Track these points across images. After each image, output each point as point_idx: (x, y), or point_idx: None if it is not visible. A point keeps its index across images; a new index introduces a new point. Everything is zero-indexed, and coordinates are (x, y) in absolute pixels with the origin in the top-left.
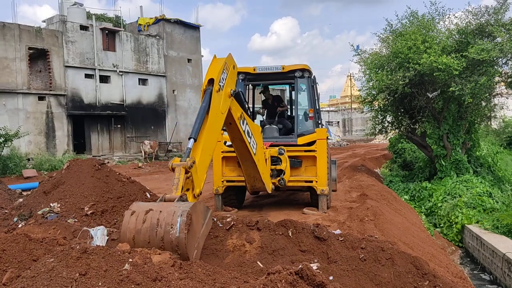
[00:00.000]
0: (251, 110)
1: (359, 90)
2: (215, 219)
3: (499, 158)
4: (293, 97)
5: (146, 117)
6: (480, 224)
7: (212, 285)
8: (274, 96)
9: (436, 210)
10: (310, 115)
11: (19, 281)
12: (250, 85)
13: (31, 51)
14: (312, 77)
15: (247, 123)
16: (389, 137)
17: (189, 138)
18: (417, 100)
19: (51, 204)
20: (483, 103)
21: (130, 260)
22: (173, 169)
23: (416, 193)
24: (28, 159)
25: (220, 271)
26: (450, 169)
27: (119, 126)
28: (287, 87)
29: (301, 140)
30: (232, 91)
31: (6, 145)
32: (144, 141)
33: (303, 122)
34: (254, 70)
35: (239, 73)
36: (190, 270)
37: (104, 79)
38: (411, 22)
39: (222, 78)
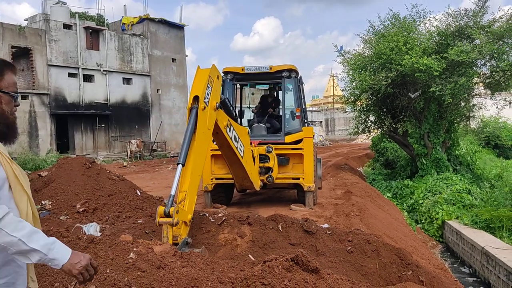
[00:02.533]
0: (236, 110)
1: (342, 90)
2: (206, 215)
3: (478, 157)
4: (279, 97)
5: (130, 117)
6: (460, 219)
7: (211, 273)
8: (275, 98)
9: (417, 207)
10: (297, 114)
11: None
12: (238, 84)
13: (14, 49)
14: (299, 77)
15: (233, 129)
16: (371, 137)
17: (177, 164)
18: (399, 100)
19: (42, 202)
20: (462, 103)
21: (135, 249)
22: (159, 224)
23: (398, 190)
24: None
25: (217, 260)
26: (431, 167)
27: (103, 125)
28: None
29: (288, 139)
30: (217, 104)
31: None
32: (131, 140)
33: (290, 121)
34: (243, 70)
35: (227, 72)
36: (190, 259)
37: (88, 78)
38: (393, 24)
39: (207, 94)
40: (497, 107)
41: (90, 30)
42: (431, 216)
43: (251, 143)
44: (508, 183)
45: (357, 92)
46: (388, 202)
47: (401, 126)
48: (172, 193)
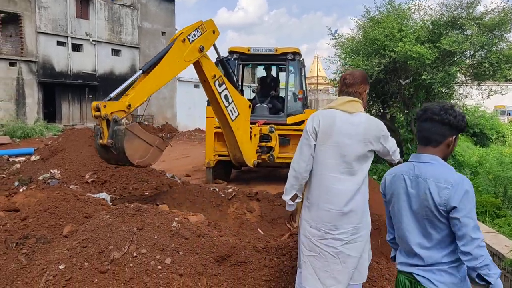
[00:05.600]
0: (239, 86)
1: (333, 73)
2: (216, 189)
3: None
4: (279, 78)
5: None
6: None
7: (247, 241)
8: (273, 77)
9: None
10: (299, 96)
11: (80, 233)
12: (242, 64)
13: (2, 15)
14: (301, 60)
15: (226, 88)
16: None
17: (140, 69)
18: (390, 86)
19: (51, 171)
20: (450, 92)
21: (176, 218)
22: (96, 118)
23: (383, 173)
24: None
25: (243, 232)
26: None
27: (90, 96)
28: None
29: (290, 120)
30: (201, 46)
31: None
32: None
33: (292, 102)
34: (248, 50)
35: (233, 52)
36: (221, 229)
37: (76, 48)
38: (388, 10)
39: (194, 34)
40: (482, 97)
41: None
42: None
43: (255, 123)
44: (491, 171)
45: None
46: (376, 184)
47: (389, 111)
48: (112, 95)
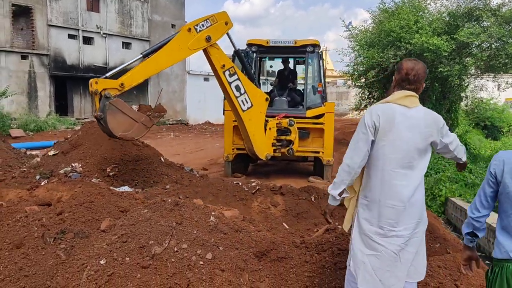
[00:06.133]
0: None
1: (347, 66)
2: (240, 183)
3: (468, 137)
4: (296, 70)
5: None
6: (463, 197)
7: (281, 236)
8: (291, 70)
9: None
10: (318, 89)
11: (119, 228)
12: (261, 57)
13: (14, 7)
14: (320, 52)
15: (238, 79)
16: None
17: (141, 53)
18: None
19: (72, 164)
20: (465, 84)
21: (213, 213)
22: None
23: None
24: (11, 119)
25: (276, 227)
26: None
27: None
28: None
29: (309, 113)
30: (208, 36)
31: None
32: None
33: (311, 95)
34: (267, 43)
35: (252, 44)
36: (256, 224)
37: (87, 41)
38: (403, 2)
39: (202, 24)
40: (498, 89)
41: None
42: (434, 193)
43: (274, 116)
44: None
45: (361, 68)
46: None
47: None
48: (108, 74)
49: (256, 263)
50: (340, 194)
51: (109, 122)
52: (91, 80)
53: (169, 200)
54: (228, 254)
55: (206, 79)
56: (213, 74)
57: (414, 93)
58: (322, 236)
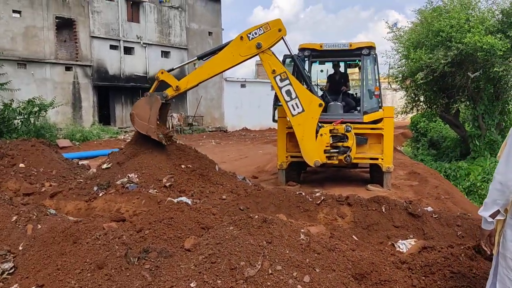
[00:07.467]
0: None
1: (390, 68)
2: (303, 194)
3: None
4: (347, 74)
5: None
6: None
7: (369, 253)
8: (342, 73)
9: (475, 189)
10: (375, 93)
11: (204, 247)
12: (315, 62)
13: (57, 20)
14: (375, 54)
15: (289, 84)
16: (410, 116)
17: (197, 56)
18: (456, 80)
19: (129, 175)
20: None
21: (302, 230)
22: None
23: (451, 172)
24: (57, 129)
25: (361, 243)
26: (484, 149)
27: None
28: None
29: (366, 118)
30: (258, 43)
31: (41, 114)
32: (173, 114)
33: (367, 99)
34: (321, 47)
35: (304, 49)
36: (343, 240)
37: (128, 51)
38: (451, 0)
39: (255, 32)
40: None
41: (131, 2)
42: None
43: (331, 122)
44: None
45: (406, 70)
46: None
47: (454, 106)
48: (173, 67)
49: (356, 287)
50: (493, 216)
51: (139, 101)
52: (160, 69)
53: (256, 216)
54: (326, 277)
55: (243, 86)
56: (249, 80)
57: None
58: (427, 256)
